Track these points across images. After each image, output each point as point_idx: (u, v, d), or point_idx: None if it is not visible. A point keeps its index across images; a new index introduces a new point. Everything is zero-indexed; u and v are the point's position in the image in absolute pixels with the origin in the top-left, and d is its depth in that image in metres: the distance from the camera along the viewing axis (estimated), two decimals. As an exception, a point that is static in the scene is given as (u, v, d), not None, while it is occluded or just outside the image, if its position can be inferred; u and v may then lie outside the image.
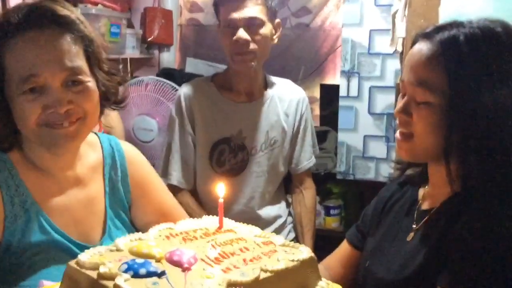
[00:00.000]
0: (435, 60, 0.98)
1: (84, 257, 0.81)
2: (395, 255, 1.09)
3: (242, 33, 1.64)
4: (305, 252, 0.92)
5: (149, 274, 0.77)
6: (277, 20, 1.75)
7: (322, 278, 0.93)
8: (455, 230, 0.98)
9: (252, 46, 1.67)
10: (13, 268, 0.99)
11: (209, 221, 1.03)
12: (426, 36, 1.02)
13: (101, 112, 1.10)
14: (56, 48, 0.96)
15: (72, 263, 0.81)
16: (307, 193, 1.92)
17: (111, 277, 0.75)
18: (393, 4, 2.27)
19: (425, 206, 1.12)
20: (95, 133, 1.19)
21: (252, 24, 1.66)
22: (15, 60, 0.95)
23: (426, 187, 1.14)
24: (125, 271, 0.76)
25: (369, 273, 1.15)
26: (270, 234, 1.00)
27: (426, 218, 1.08)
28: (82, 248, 1.03)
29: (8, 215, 0.99)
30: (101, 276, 0.75)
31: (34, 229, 1.01)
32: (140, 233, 0.94)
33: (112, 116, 2.04)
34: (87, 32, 1.03)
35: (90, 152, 1.15)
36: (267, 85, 1.84)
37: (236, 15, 1.64)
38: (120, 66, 2.52)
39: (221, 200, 0.99)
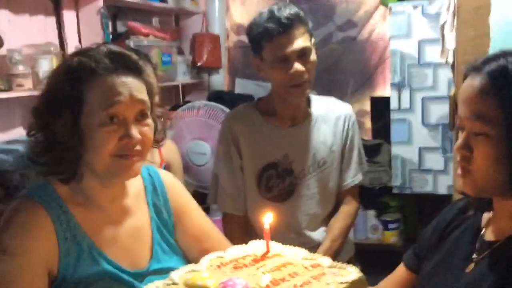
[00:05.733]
0: (486, 93, 0.97)
1: (143, 293, 0.85)
2: (452, 285, 1.06)
3: (299, 66, 1.62)
4: (353, 272, 0.92)
5: (207, 307, 0.80)
6: (313, 40, 1.75)
7: None
8: None
9: (306, 75, 1.67)
10: None
11: (256, 246, 1.05)
12: (475, 69, 1.01)
13: None
14: (134, 85, 1.08)
15: None
16: (344, 207, 1.87)
17: (171, 312, 0.79)
18: (441, 15, 2.23)
19: (488, 236, 1.07)
20: None
21: (303, 54, 1.65)
22: (100, 92, 1.05)
23: (491, 213, 1.10)
24: (184, 306, 0.80)
25: None
26: (317, 256, 1.01)
27: (489, 251, 1.03)
28: (133, 275, 1.10)
29: (62, 250, 1.04)
30: (161, 312, 0.79)
31: (86, 262, 1.06)
32: (193, 264, 0.97)
33: (172, 151, 2.07)
34: (149, 78, 1.16)
35: (133, 182, 1.20)
36: (310, 106, 1.84)
37: (288, 49, 1.62)
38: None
39: (266, 226, 1.01)
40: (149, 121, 1.11)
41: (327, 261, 0.98)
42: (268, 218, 1.02)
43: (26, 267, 1.00)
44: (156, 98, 1.79)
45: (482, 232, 1.09)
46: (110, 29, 2.78)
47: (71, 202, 1.09)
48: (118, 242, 1.13)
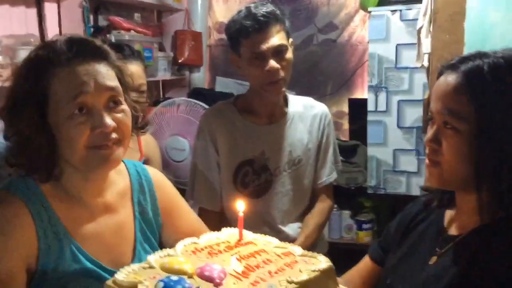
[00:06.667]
0: (460, 90, 1.00)
1: (121, 276, 0.86)
2: (416, 277, 1.10)
3: (273, 63, 1.67)
4: (323, 261, 0.95)
5: (185, 291, 0.81)
6: (291, 39, 1.78)
7: (340, 285, 0.97)
8: (484, 262, 0.99)
9: (281, 73, 1.70)
10: None
11: (229, 233, 1.07)
12: (451, 67, 1.04)
13: None
14: (99, 72, 1.04)
15: (110, 282, 0.85)
16: (319, 204, 1.91)
17: (151, 296, 0.80)
18: (418, 20, 2.28)
19: (451, 231, 1.11)
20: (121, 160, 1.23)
21: (279, 52, 1.69)
22: (63, 84, 1.01)
23: (453, 211, 1.14)
24: (163, 289, 0.81)
25: None
26: (287, 245, 1.04)
27: (451, 244, 1.08)
28: (113, 274, 1.08)
29: (42, 247, 1.01)
30: (141, 295, 0.80)
31: (67, 259, 1.04)
32: (168, 249, 0.99)
33: (152, 146, 2.08)
34: (117, 62, 1.12)
35: (118, 178, 1.18)
36: (287, 104, 1.87)
37: (264, 46, 1.66)
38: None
39: (241, 214, 1.03)
40: (124, 107, 1.07)
41: (298, 249, 1.01)
42: (240, 205, 1.04)
43: (3, 264, 0.97)
44: (144, 96, 1.81)
45: (445, 227, 1.13)
46: (92, 22, 2.77)
47: (53, 198, 1.07)
48: (100, 239, 1.11)
